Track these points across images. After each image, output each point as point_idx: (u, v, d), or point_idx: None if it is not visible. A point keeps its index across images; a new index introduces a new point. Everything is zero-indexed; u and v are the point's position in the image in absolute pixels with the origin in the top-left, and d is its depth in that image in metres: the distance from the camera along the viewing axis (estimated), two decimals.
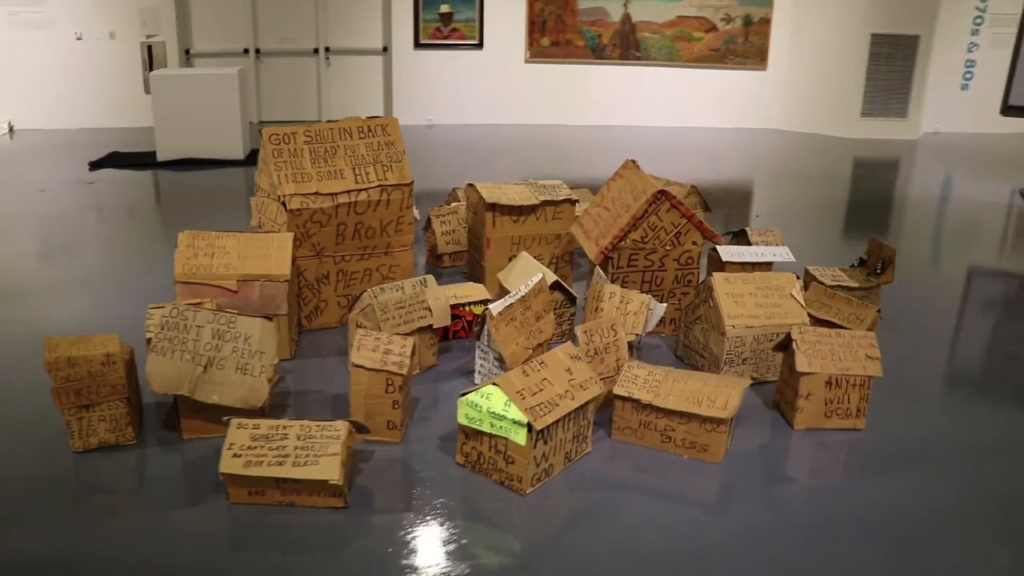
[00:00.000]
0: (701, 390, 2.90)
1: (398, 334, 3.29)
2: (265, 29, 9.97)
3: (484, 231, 4.27)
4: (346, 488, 2.60)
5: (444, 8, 9.96)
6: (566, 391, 2.77)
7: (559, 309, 3.77)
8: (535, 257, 4.31)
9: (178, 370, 2.88)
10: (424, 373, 3.52)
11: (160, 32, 9.53)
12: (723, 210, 6.74)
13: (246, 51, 9.90)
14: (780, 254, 4.50)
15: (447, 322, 3.53)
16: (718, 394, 2.87)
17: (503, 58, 10.12)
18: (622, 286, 3.80)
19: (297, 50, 10.06)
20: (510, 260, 4.33)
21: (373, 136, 3.92)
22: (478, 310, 3.83)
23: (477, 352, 3.36)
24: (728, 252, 4.43)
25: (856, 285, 4.20)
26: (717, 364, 3.42)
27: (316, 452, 2.57)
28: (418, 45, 10.02)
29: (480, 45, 10.08)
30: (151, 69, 9.34)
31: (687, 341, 3.68)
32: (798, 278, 3.58)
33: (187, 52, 9.80)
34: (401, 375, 2.89)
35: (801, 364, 3.08)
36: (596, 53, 10.22)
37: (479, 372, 3.38)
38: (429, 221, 4.92)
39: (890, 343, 3.73)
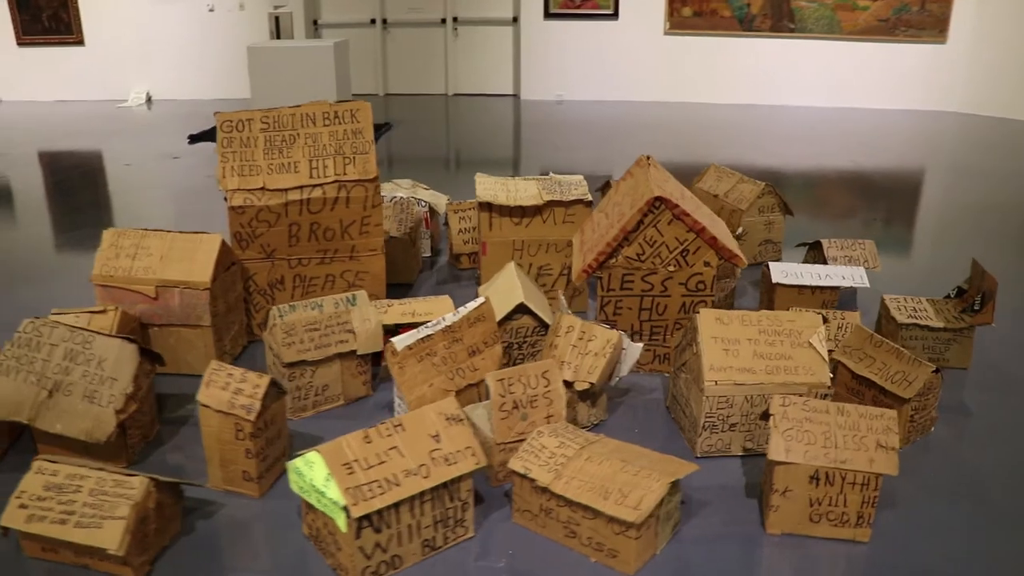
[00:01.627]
0: (614, 477, 2.18)
1: (294, 363, 2.81)
2: None
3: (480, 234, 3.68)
4: (138, 558, 2.15)
5: None
6: (420, 466, 2.16)
7: (530, 338, 3.13)
8: (540, 268, 3.67)
9: (19, 393, 2.55)
10: (349, 406, 3.01)
11: (287, 3, 9.51)
12: (834, 211, 5.68)
13: (373, 21, 9.69)
14: (851, 276, 3.58)
15: (376, 347, 2.99)
16: (634, 486, 2.15)
17: (640, 29, 9.27)
18: (614, 313, 3.11)
19: (424, 20, 9.73)
20: None
21: (339, 123, 3.42)
22: None
23: (395, 389, 2.80)
24: (781, 270, 3.58)
25: (941, 325, 3.23)
26: (696, 427, 2.67)
27: (103, 512, 2.14)
28: (549, 15, 9.38)
29: (615, 15, 9.28)
30: (278, 39, 9.34)
31: (675, 391, 2.93)
32: (826, 320, 2.72)
33: (315, 23, 9.73)
34: (249, 421, 2.39)
35: (776, 450, 2.28)
36: (744, 24, 9.11)
37: (397, 411, 2.83)
38: (447, 216, 4.37)
39: (955, 418, 2.80)
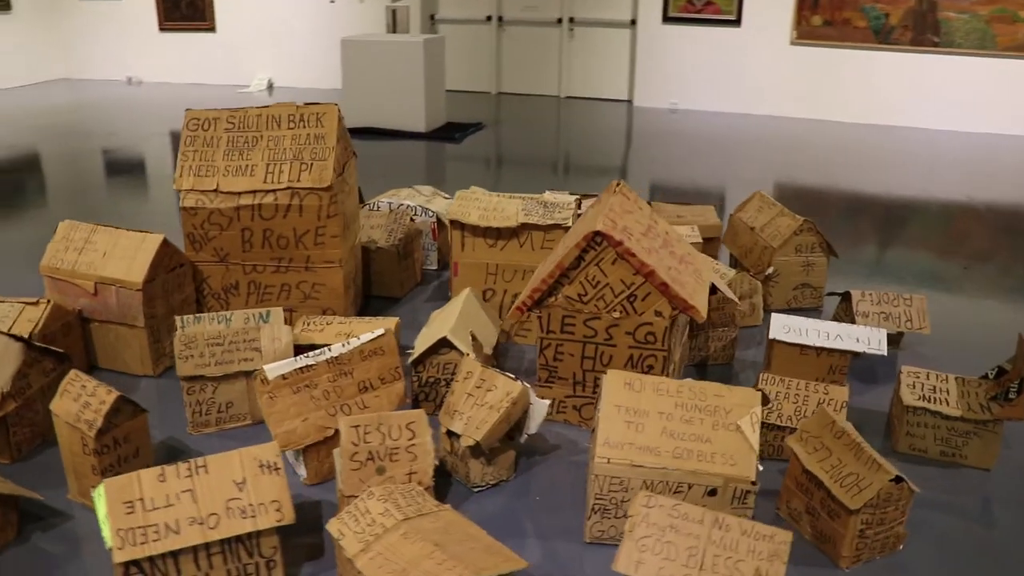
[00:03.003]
0: (419, 564, 1.87)
1: (192, 377, 2.66)
2: None
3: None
4: None
5: None
6: (210, 515, 1.94)
7: None
8: (515, 296, 3.38)
9: None
10: (258, 426, 2.84)
11: None
12: (926, 253, 4.97)
13: (489, 18, 9.55)
14: (867, 339, 3.05)
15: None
16: (439, 574, 1.84)
17: (764, 38, 8.61)
18: (554, 358, 2.78)
19: (540, 19, 9.48)
20: (484, 295, 3.44)
21: (304, 127, 3.25)
22: None
23: None
24: (782, 325, 3.11)
25: (958, 413, 2.68)
26: (585, 507, 2.31)
27: None
28: (667, 19, 8.89)
29: (737, 22, 8.67)
30: (394, 32, 9.38)
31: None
32: (767, 400, 2.27)
33: (432, 17, 9.71)
34: (91, 436, 2.26)
35: (625, 561, 1.90)
36: (880, 36, 8.26)
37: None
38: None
39: (947, 532, 2.30)
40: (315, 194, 3.16)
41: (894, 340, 3.50)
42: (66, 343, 3.02)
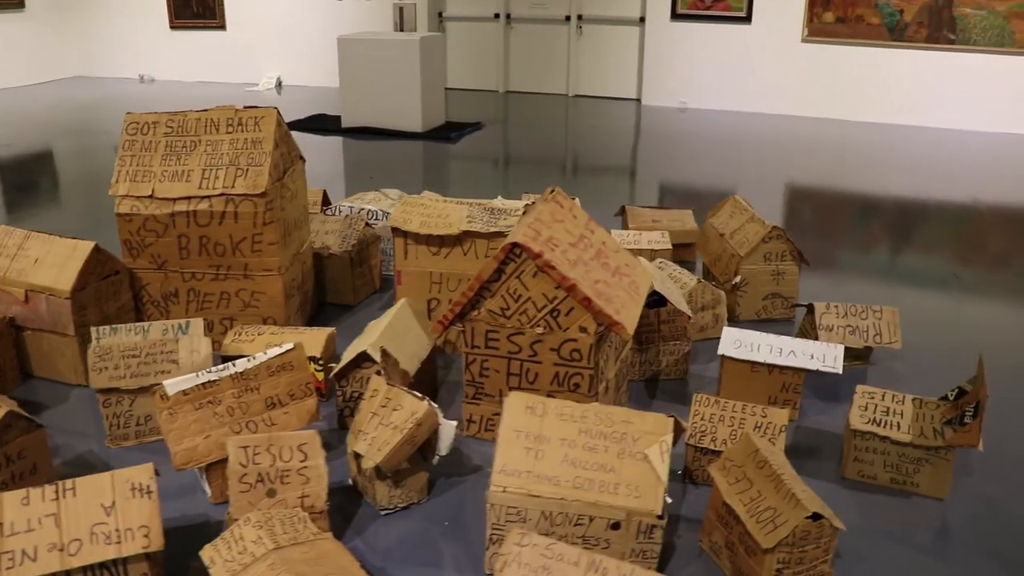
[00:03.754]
0: None
1: (107, 390, 2.59)
2: None
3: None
4: None
5: None
6: (72, 541, 1.87)
7: None
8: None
9: None
10: None
11: None
12: (923, 257, 4.76)
13: (497, 16, 9.43)
14: (823, 356, 2.90)
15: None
16: None
17: (775, 35, 8.38)
18: (480, 374, 2.67)
19: (548, 17, 9.34)
20: (429, 304, 3.34)
21: (242, 131, 3.17)
22: (311, 367, 2.94)
23: None
24: (733, 339, 2.96)
25: (907, 439, 2.53)
26: (482, 540, 2.19)
27: None
28: (676, 16, 8.70)
29: (748, 18, 8.45)
30: (401, 30, 9.31)
31: None
32: (681, 428, 2.14)
33: (440, 15, 9.61)
34: None
35: None
36: (895, 33, 7.99)
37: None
38: None
39: (883, 570, 2.16)
40: (250, 200, 3.08)
41: (862, 355, 3.33)
42: None
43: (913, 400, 2.64)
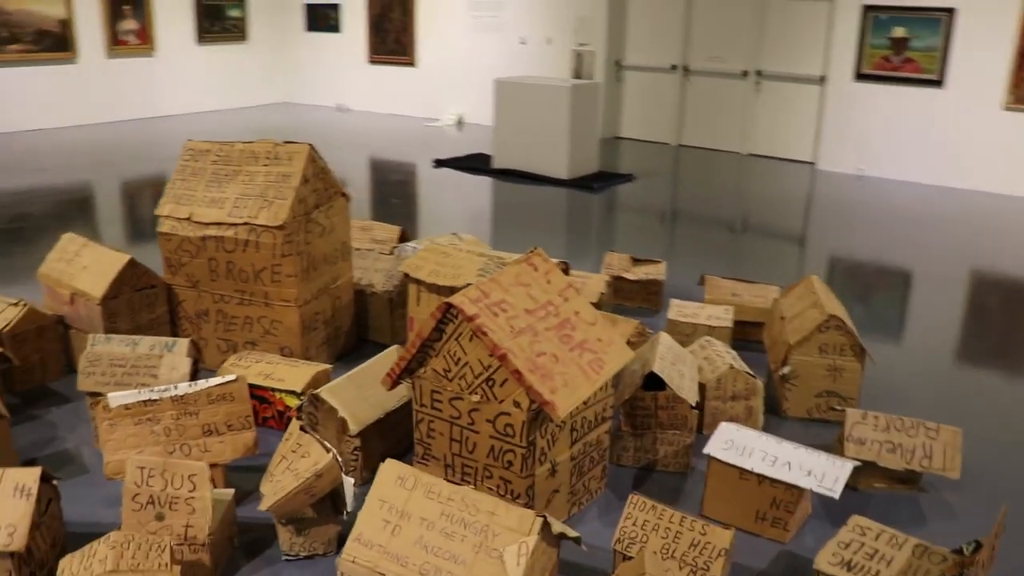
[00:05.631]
0: None
1: (93, 393, 2.77)
2: (697, 45, 9.13)
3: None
4: None
5: (898, 32, 7.77)
6: None
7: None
8: None
9: None
10: None
11: (592, 42, 9.46)
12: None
13: (674, 67, 9.23)
14: (821, 475, 2.55)
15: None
16: None
17: (971, 101, 7.53)
18: (427, 435, 2.59)
19: (726, 71, 8.99)
20: None
21: (277, 164, 3.30)
22: (291, 401, 2.99)
23: None
24: (725, 438, 2.69)
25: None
26: None
27: None
28: (860, 76, 8.06)
29: (940, 82, 7.66)
30: (579, 77, 9.37)
31: None
32: (547, 521, 1.93)
33: (617, 63, 9.55)
34: None
35: None
36: None
37: None
38: None
39: None
40: (270, 232, 3.19)
41: (909, 479, 2.87)
42: (39, 344, 3.28)
43: (916, 547, 2.23)
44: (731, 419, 3.16)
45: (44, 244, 3.79)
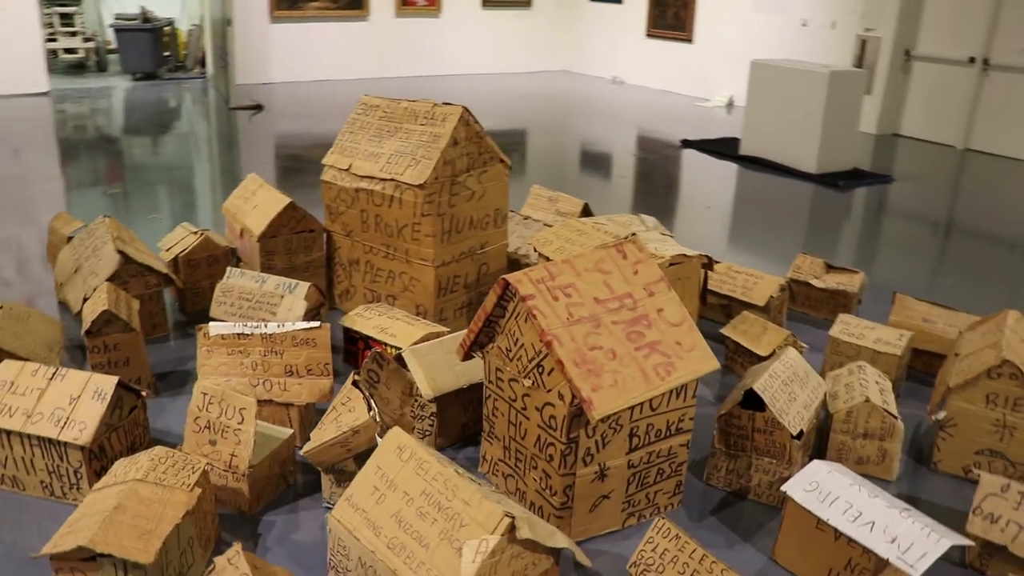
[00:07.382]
0: (85, 517, 1.98)
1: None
2: (1005, 35, 7.85)
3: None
4: None
5: None
6: (36, 413, 2.30)
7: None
8: None
9: (64, 263, 3.40)
10: None
11: (879, 27, 8.51)
12: None
13: (972, 60, 8.05)
14: (907, 543, 2.17)
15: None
16: None
17: None
18: (492, 412, 2.57)
19: None
20: None
21: (431, 124, 3.35)
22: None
23: None
24: (812, 479, 2.39)
25: None
26: None
27: None
28: None
29: None
30: (860, 66, 8.53)
31: None
32: (514, 526, 1.80)
33: (906, 53, 8.52)
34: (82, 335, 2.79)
35: None
36: None
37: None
38: None
39: None
40: (411, 190, 3.27)
41: None
42: (211, 271, 3.64)
43: None
44: (860, 459, 2.77)
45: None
